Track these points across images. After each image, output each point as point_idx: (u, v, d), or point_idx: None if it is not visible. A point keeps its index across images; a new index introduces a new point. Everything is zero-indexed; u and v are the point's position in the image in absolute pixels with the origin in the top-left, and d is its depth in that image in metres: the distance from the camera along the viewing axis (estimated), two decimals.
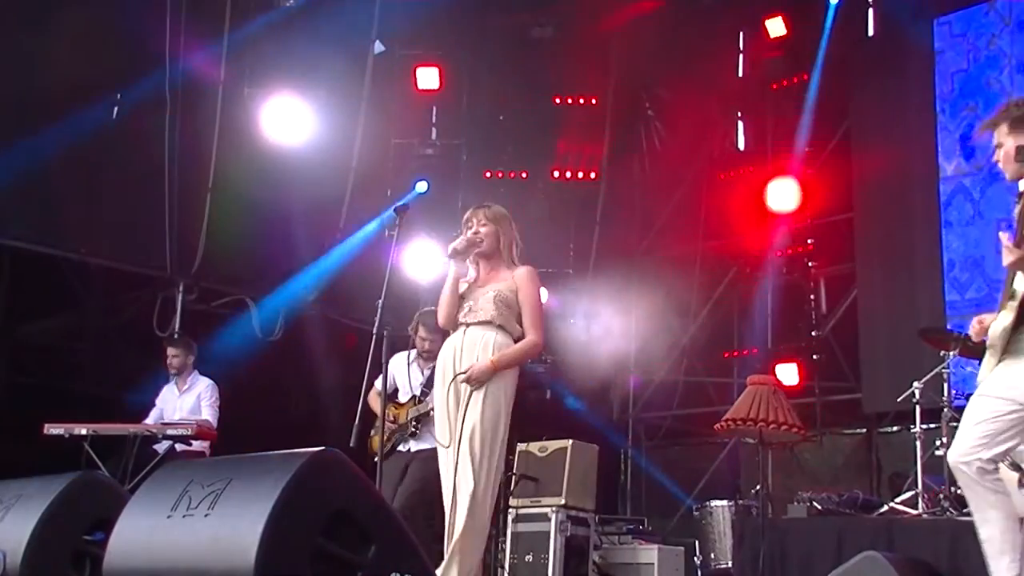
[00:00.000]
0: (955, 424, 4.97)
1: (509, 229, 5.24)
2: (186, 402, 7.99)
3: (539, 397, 10.56)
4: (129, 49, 8.76)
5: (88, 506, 4.53)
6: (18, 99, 8.23)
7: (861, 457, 10.09)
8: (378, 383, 6.10)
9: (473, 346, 5.00)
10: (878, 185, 9.52)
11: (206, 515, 3.39)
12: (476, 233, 5.17)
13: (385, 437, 6.36)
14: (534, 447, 8.15)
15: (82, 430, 7.17)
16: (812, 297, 10.64)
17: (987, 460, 4.04)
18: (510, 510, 7.91)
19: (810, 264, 10.72)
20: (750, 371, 8.52)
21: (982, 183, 8.70)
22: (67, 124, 8.40)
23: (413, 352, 6.99)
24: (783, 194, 10.39)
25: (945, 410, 6.69)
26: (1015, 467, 5.70)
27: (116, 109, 9.02)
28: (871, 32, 10.58)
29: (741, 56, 11.72)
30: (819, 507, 7.02)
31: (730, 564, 7.50)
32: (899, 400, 7.13)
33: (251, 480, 3.40)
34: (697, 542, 8.01)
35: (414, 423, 6.66)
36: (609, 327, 10.89)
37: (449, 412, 5.01)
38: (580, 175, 11.55)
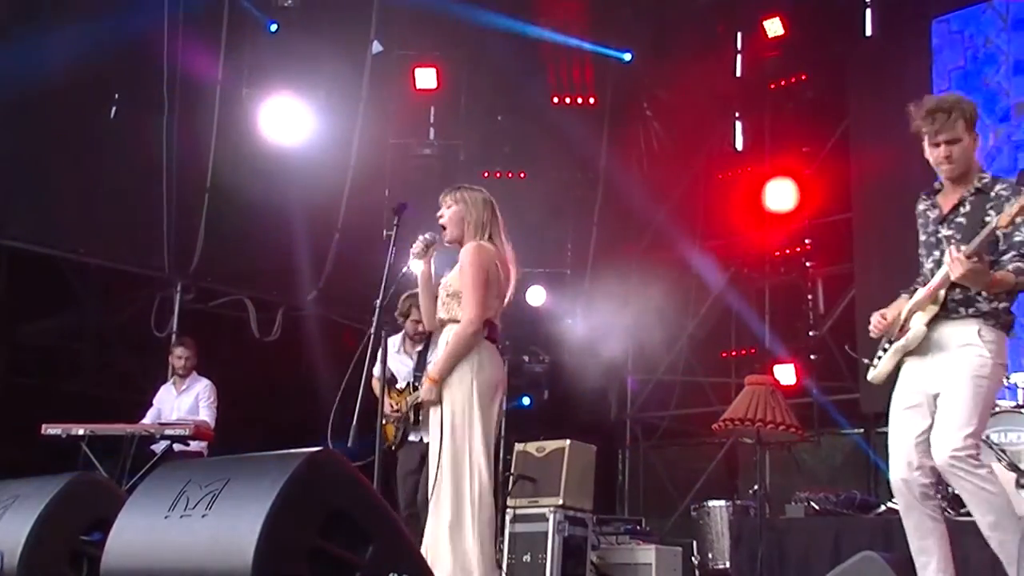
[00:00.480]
0: None
1: (480, 209, 4.87)
2: (184, 402, 7.98)
3: (537, 397, 10.56)
4: (127, 49, 8.76)
5: (86, 506, 4.52)
6: (17, 99, 8.23)
7: (859, 457, 10.10)
8: (376, 371, 6.10)
9: (443, 346, 4.82)
10: (876, 185, 9.52)
11: (204, 515, 3.39)
12: (440, 218, 4.93)
13: (394, 427, 6.40)
14: (532, 447, 8.15)
15: (80, 430, 7.16)
16: (810, 297, 10.65)
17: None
18: (508, 510, 7.91)
19: (808, 264, 10.73)
20: (748, 371, 8.53)
21: (990, 171, 8.70)
22: (66, 124, 8.40)
23: (397, 338, 6.99)
24: (781, 194, 10.40)
25: None
26: (1013, 467, 5.71)
27: (114, 109, 9.03)
28: (869, 32, 10.59)
29: (739, 56, 11.73)
30: (817, 507, 7.02)
31: (728, 564, 7.51)
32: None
33: (249, 480, 3.40)
34: (695, 542, 8.01)
35: (414, 413, 6.68)
36: (607, 327, 10.90)
37: (433, 426, 4.79)
38: (578, 175, 11.55)
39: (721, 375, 11.16)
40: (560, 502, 7.70)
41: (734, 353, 11.25)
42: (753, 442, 7.10)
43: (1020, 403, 6.26)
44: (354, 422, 5.22)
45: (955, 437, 3.98)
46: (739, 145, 11.79)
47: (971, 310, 4.14)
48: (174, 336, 9.00)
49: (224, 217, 9.37)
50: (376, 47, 10.51)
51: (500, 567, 7.84)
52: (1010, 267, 4.03)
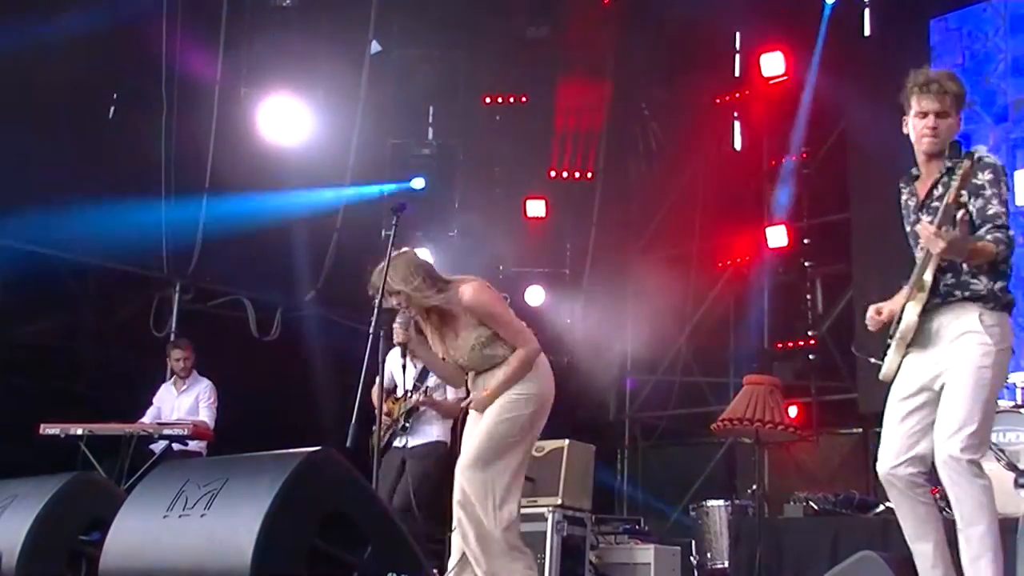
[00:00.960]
0: None
1: (411, 273, 4.71)
2: (184, 402, 7.98)
3: None
4: (125, 49, 8.75)
5: (84, 506, 4.53)
6: (15, 98, 8.22)
7: (857, 457, 10.09)
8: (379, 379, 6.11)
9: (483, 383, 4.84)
10: (874, 185, 9.52)
11: (202, 515, 3.39)
12: (399, 306, 4.80)
13: (381, 432, 6.38)
14: None
15: (78, 430, 7.16)
16: (808, 297, 10.66)
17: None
18: None
19: (806, 264, 10.74)
20: (746, 371, 8.53)
21: None
22: (64, 123, 8.39)
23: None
24: (779, 194, 10.41)
25: None
26: (1011, 467, 5.71)
27: (113, 109, 9.02)
28: (867, 32, 10.59)
29: (737, 56, 11.73)
30: (815, 507, 7.02)
31: (726, 564, 7.50)
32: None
33: (247, 480, 3.40)
34: (693, 542, 8.00)
35: (404, 419, 6.66)
36: (606, 327, 10.90)
37: (467, 436, 4.87)
38: (577, 175, 11.56)
39: (719, 375, 11.16)
40: (559, 502, 7.69)
41: (733, 353, 11.25)
42: (752, 442, 7.10)
43: (1019, 403, 6.26)
44: (352, 421, 5.22)
45: (957, 437, 3.90)
46: (737, 145, 11.79)
47: (967, 293, 4.03)
48: (172, 336, 8.99)
49: (223, 217, 9.36)
50: (375, 47, 10.50)
51: None
52: (988, 237, 3.93)
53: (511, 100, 11.38)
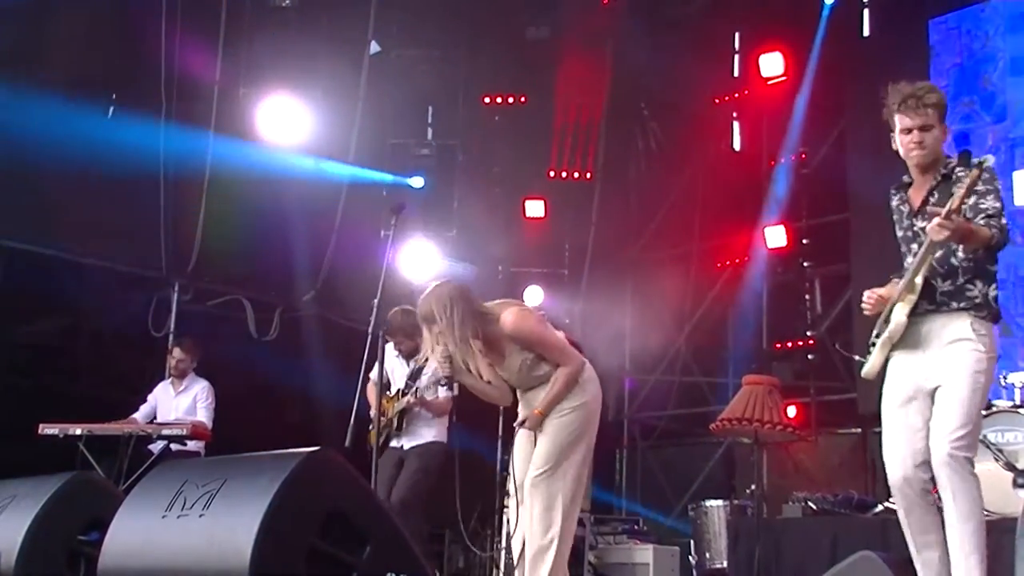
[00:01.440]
0: None
1: (455, 308, 4.75)
2: (182, 402, 7.97)
3: None
4: (124, 48, 8.75)
5: (83, 506, 4.53)
6: (13, 99, 8.21)
7: (856, 457, 10.09)
8: (373, 374, 6.11)
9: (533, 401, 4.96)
10: (873, 185, 9.50)
11: (201, 515, 3.39)
12: (442, 355, 4.81)
13: (377, 432, 6.39)
14: None
15: (77, 430, 7.16)
16: (807, 297, 10.65)
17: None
18: (505, 510, 7.91)
19: (805, 264, 10.74)
20: (745, 371, 8.53)
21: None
22: (62, 124, 8.39)
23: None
24: (778, 194, 10.41)
25: None
26: (1010, 467, 5.72)
27: (111, 108, 9.01)
28: (866, 32, 10.59)
29: (736, 56, 11.73)
30: (814, 507, 7.03)
31: (725, 564, 7.51)
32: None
33: (246, 480, 3.40)
34: (692, 542, 8.01)
35: (398, 419, 6.67)
36: (604, 327, 10.90)
37: (518, 456, 5.00)
38: (576, 175, 11.56)
39: (719, 375, 11.16)
40: None
41: (732, 353, 11.25)
42: (751, 442, 7.11)
43: (1018, 403, 6.27)
44: (351, 421, 5.23)
45: (954, 435, 3.97)
46: (736, 145, 11.79)
47: (962, 303, 4.12)
48: (171, 336, 8.99)
49: (221, 217, 9.36)
50: (374, 47, 10.50)
51: (498, 567, 7.85)
52: (981, 222, 4.04)
53: (510, 100, 11.37)
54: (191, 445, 7.54)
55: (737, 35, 11.72)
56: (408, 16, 10.75)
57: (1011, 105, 8.80)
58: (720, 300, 11.32)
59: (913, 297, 4.15)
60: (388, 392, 6.82)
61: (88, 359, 9.01)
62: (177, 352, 8.11)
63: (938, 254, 4.16)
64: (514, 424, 4.97)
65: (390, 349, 6.81)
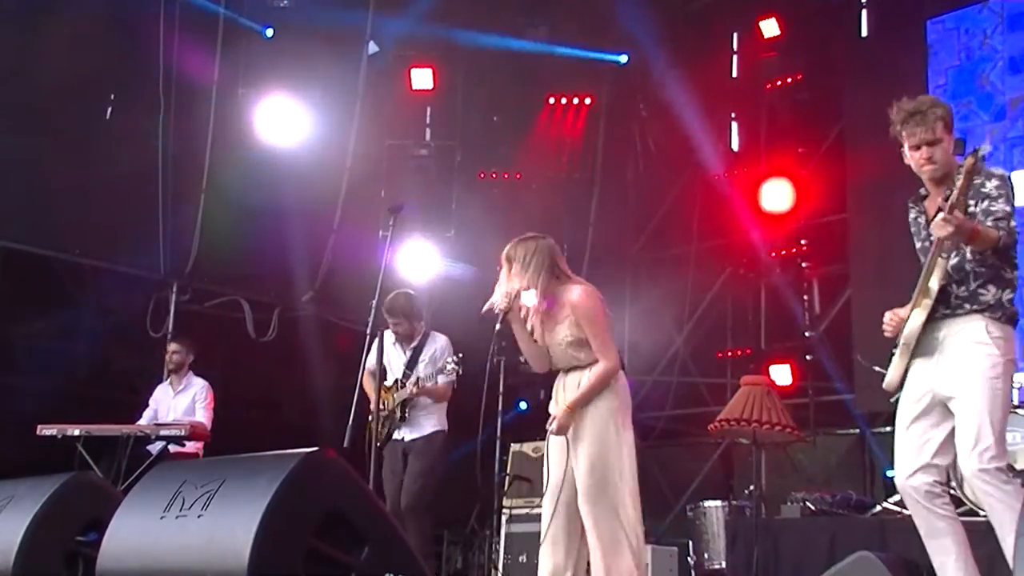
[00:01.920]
0: None
1: (535, 257, 4.92)
2: (181, 403, 7.97)
3: (533, 397, 10.55)
4: (123, 49, 8.75)
5: (81, 507, 4.52)
6: (12, 99, 8.22)
7: (854, 458, 10.10)
8: (371, 363, 6.09)
9: (571, 390, 4.96)
10: (872, 185, 9.52)
11: (199, 516, 3.39)
12: (507, 293, 4.94)
13: (379, 424, 6.41)
14: (528, 448, 8.15)
15: (75, 431, 7.16)
16: (805, 298, 10.64)
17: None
18: (504, 511, 7.92)
19: (803, 265, 10.71)
20: (743, 372, 8.52)
21: None
22: (61, 124, 8.39)
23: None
24: (777, 195, 10.41)
25: None
26: (1008, 467, 5.71)
27: (110, 110, 9.01)
28: (864, 33, 10.59)
29: (735, 57, 11.73)
30: (812, 507, 7.03)
31: (723, 565, 7.50)
32: (892, 400, 7.13)
33: (245, 481, 3.40)
34: (691, 542, 8.01)
35: (400, 410, 6.68)
36: None
37: (552, 459, 5.01)
38: (575, 176, 11.56)
39: (717, 376, 11.16)
40: None
41: (730, 354, 11.25)
42: (749, 443, 7.10)
43: (1017, 403, 6.27)
44: (350, 421, 5.22)
45: (981, 447, 3.95)
46: (735, 145, 11.79)
47: (976, 305, 4.13)
48: (170, 336, 8.99)
49: (220, 217, 9.37)
50: (372, 47, 10.50)
51: (496, 567, 7.85)
52: (989, 223, 4.06)
53: (509, 100, 11.37)
54: (189, 446, 7.54)
55: (735, 36, 11.71)
56: (406, 16, 10.73)
57: (1009, 104, 8.82)
58: (718, 301, 11.32)
59: (929, 302, 4.16)
60: (386, 382, 6.83)
61: (86, 360, 9.01)
62: (173, 345, 8.10)
63: (953, 261, 4.18)
64: (546, 427, 4.95)
65: (387, 337, 6.81)
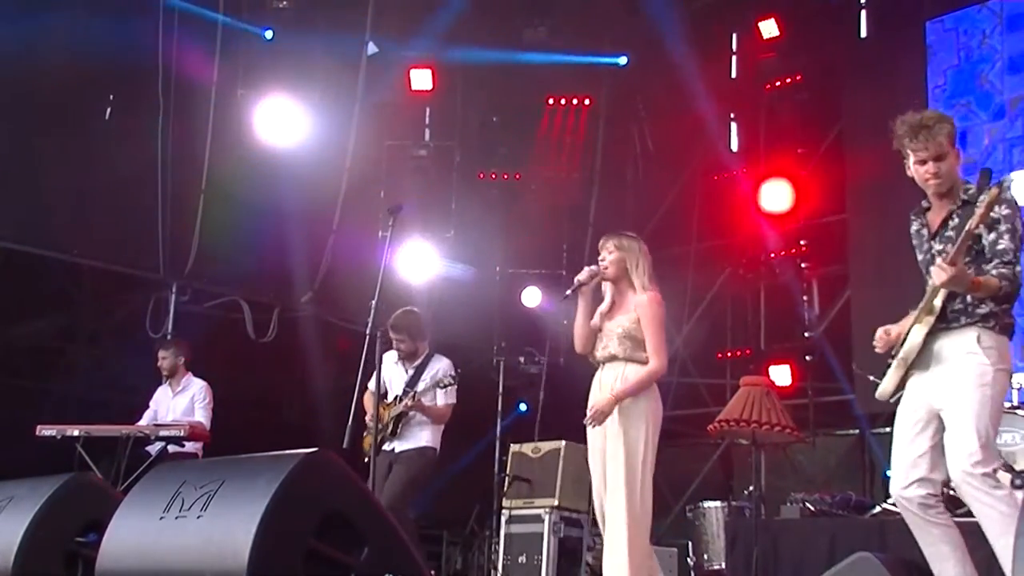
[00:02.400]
0: None
1: (637, 256, 5.42)
2: (180, 403, 7.96)
3: (532, 398, 10.56)
4: (123, 50, 8.75)
5: (80, 507, 4.52)
6: (11, 100, 8.21)
7: (854, 458, 10.10)
8: (371, 384, 6.10)
9: (611, 383, 5.30)
10: (871, 186, 9.52)
11: (199, 516, 3.39)
12: (602, 260, 5.45)
13: (372, 437, 6.38)
14: (527, 448, 8.16)
15: (74, 431, 7.15)
16: (805, 298, 10.64)
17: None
18: (503, 511, 7.92)
19: (803, 265, 10.72)
20: (743, 372, 8.52)
21: (974, 181, 8.71)
22: (60, 125, 8.39)
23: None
24: (776, 195, 10.41)
25: None
26: (1008, 468, 5.71)
27: (109, 110, 9.01)
28: (863, 34, 10.60)
29: (734, 57, 11.74)
30: (812, 508, 7.03)
31: (723, 565, 7.50)
32: (892, 401, 7.13)
33: (244, 481, 3.40)
34: (690, 543, 8.01)
35: (393, 424, 6.63)
36: None
37: (595, 448, 5.43)
38: (574, 176, 11.56)
39: (716, 376, 11.15)
40: (556, 503, 7.70)
41: (729, 354, 11.25)
42: (748, 443, 7.10)
43: (1015, 404, 6.27)
44: (349, 422, 5.23)
45: (968, 453, 3.96)
46: (734, 146, 11.79)
47: (970, 318, 4.14)
48: (169, 337, 8.99)
49: (219, 218, 9.36)
50: (371, 48, 10.50)
51: (496, 568, 7.85)
52: (994, 272, 4.04)
53: (508, 101, 11.37)
54: (189, 446, 7.53)
55: (735, 36, 11.71)
56: (405, 16, 10.73)
57: (1008, 104, 8.82)
58: (718, 301, 11.33)
59: (931, 319, 4.18)
60: (385, 400, 6.80)
61: (85, 360, 9.02)
62: (160, 352, 8.06)
63: None
64: (584, 421, 5.34)
65: (389, 357, 6.79)
